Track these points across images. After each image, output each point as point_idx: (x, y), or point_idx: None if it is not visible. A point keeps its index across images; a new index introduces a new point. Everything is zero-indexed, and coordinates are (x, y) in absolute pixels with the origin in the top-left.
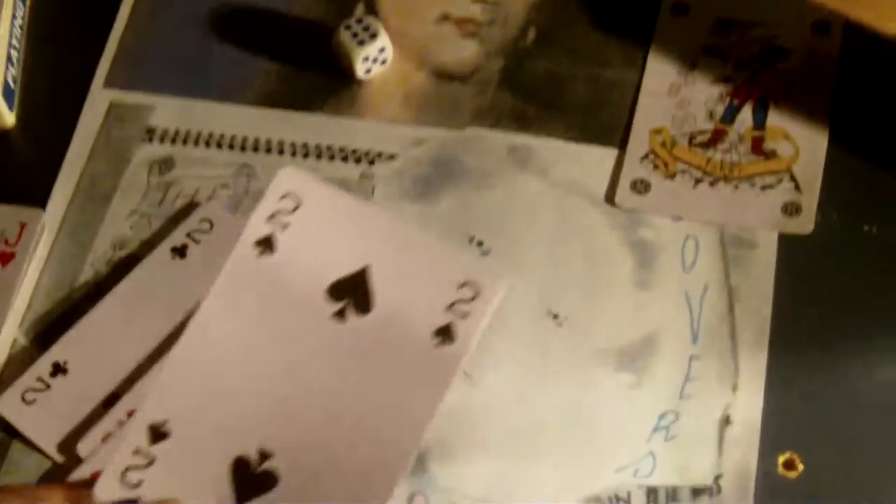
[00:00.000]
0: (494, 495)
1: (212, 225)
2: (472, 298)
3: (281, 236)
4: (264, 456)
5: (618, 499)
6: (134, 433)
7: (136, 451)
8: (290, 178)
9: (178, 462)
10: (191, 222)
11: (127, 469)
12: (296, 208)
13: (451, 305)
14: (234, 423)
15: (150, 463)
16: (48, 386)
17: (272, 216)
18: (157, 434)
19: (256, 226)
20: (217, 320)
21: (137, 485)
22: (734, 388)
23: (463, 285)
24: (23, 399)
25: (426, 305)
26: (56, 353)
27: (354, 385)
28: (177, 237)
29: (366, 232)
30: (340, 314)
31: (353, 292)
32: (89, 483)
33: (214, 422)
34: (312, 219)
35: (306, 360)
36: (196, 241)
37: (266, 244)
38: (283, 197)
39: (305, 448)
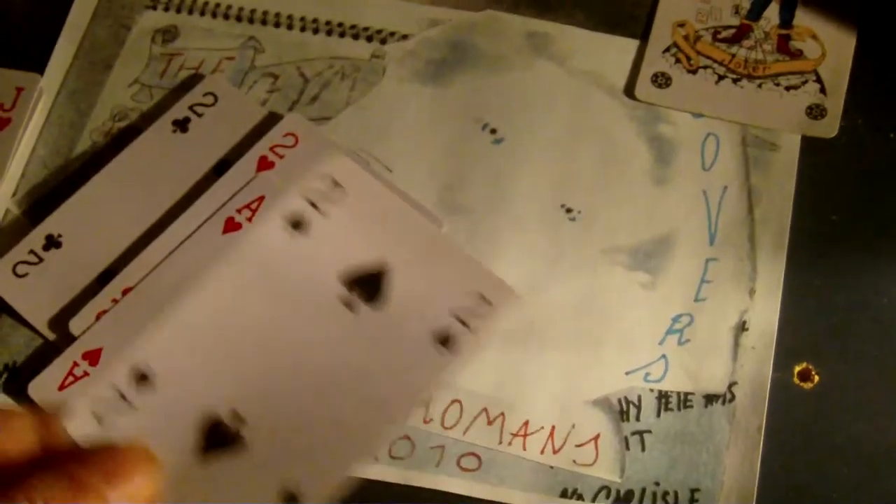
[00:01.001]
0: (500, 392)
1: (216, 98)
2: (482, 310)
3: (315, 220)
4: (237, 419)
5: (628, 402)
6: (115, 372)
7: (115, 389)
8: (340, 167)
9: (154, 407)
10: (194, 95)
11: (101, 406)
12: (338, 197)
13: (461, 312)
14: (217, 382)
15: (126, 403)
16: (41, 259)
17: (311, 197)
18: (139, 377)
19: (291, 201)
20: (225, 288)
21: (109, 423)
22: (751, 294)
23: (477, 296)
24: (14, 272)
25: (436, 308)
26: (50, 225)
27: (348, 371)
28: (179, 110)
29: (398, 230)
30: (352, 302)
31: (369, 284)
32: (57, 415)
33: (198, 377)
34: (352, 211)
35: (306, 340)
36: (199, 115)
37: (298, 225)
38: (329, 181)
39: (279, 423)
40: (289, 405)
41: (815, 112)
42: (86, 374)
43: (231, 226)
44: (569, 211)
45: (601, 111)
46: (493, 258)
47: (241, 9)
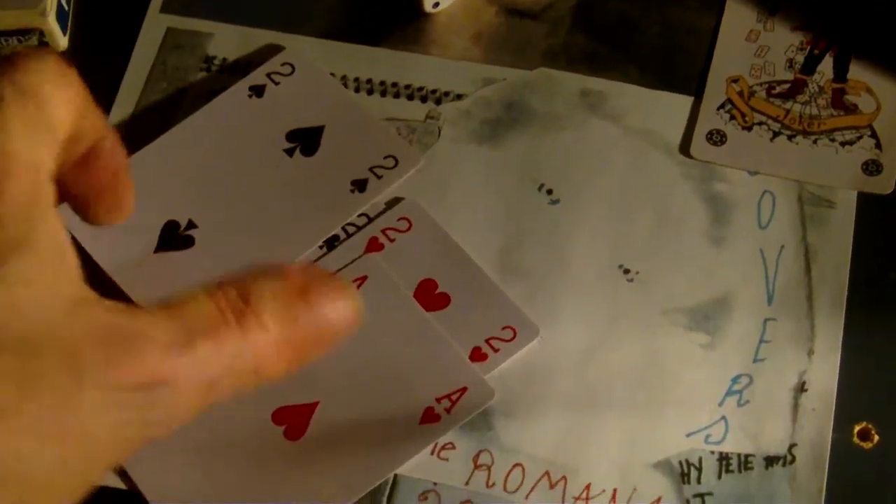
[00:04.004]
0: (560, 456)
1: (293, 69)
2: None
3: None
4: (191, 224)
5: (689, 464)
6: None
7: None
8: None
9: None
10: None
11: None
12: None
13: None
14: (179, 196)
15: None
16: None
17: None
18: None
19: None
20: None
21: None
22: (810, 354)
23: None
24: None
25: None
26: None
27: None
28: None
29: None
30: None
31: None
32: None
33: (165, 189)
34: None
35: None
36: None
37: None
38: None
39: (224, 228)
40: (234, 216)
41: (871, 168)
42: None
43: None
44: (626, 272)
45: (657, 170)
46: (553, 321)
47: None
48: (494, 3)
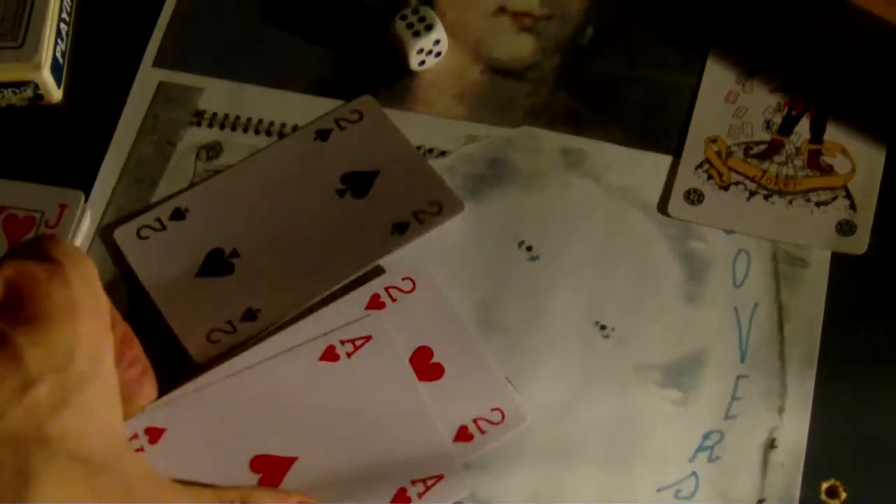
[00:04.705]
0: None
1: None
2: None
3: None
4: (234, 253)
5: None
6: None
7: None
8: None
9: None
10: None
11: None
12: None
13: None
14: (231, 226)
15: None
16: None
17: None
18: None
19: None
20: None
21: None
22: (780, 411)
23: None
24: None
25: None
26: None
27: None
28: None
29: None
30: None
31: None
32: None
33: (220, 217)
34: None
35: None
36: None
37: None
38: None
39: (266, 259)
40: (275, 249)
41: (845, 228)
42: (141, 448)
43: (329, 356)
44: (603, 328)
45: (635, 228)
46: (529, 376)
47: (283, 125)
48: (479, 63)
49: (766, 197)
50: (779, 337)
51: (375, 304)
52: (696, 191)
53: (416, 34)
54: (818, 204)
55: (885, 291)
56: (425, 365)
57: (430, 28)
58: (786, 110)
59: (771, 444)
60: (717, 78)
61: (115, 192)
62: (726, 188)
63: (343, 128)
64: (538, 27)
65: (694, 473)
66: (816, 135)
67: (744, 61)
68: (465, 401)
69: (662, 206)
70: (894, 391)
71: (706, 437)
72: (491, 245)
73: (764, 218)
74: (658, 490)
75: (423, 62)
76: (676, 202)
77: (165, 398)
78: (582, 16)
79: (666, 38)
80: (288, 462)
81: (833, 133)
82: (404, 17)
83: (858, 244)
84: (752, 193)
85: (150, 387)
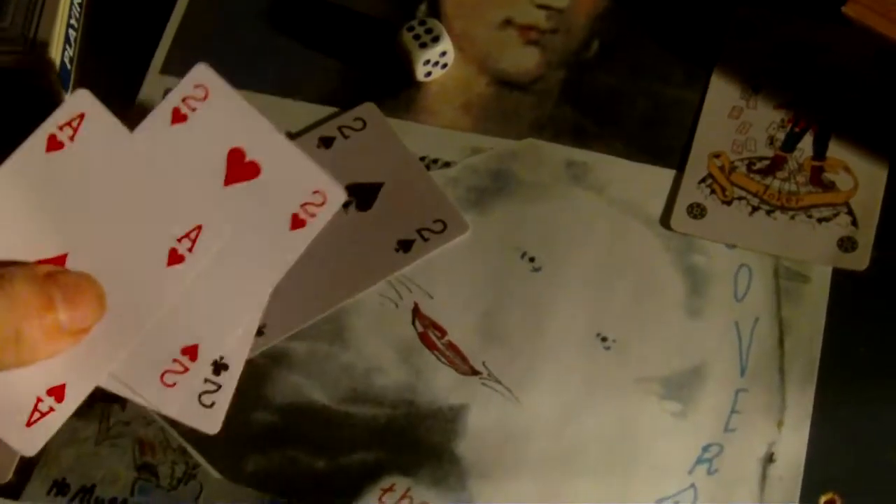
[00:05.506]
0: None
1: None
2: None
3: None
4: None
5: None
6: None
7: None
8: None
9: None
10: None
11: None
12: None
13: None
14: None
15: None
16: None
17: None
18: None
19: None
20: None
21: None
22: (779, 425)
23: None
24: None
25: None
26: None
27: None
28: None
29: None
30: None
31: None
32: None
33: None
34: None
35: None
36: (345, 137)
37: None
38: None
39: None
40: None
41: (847, 244)
42: (51, 409)
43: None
44: (604, 340)
45: (637, 241)
46: (530, 386)
47: (288, 133)
48: (485, 75)
49: (768, 212)
50: (779, 351)
51: (178, 117)
52: (698, 205)
53: (423, 45)
54: (820, 220)
55: (885, 308)
56: (241, 165)
57: (436, 40)
58: (789, 127)
59: (770, 458)
60: (721, 93)
61: None
62: (729, 203)
63: (347, 136)
64: (544, 40)
65: (693, 486)
66: (819, 151)
67: (748, 77)
68: (289, 190)
69: (665, 220)
70: (893, 407)
71: (705, 449)
72: (494, 256)
73: (766, 233)
74: (657, 502)
75: (429, 73)
76: (679, 216)
77: None
78: (588, 30)
79: (671, 54)
80: (60, 260)
81: (836, 150)
82: (411, 29)
83: (860, 260)
84: (755, 209)
85: None
